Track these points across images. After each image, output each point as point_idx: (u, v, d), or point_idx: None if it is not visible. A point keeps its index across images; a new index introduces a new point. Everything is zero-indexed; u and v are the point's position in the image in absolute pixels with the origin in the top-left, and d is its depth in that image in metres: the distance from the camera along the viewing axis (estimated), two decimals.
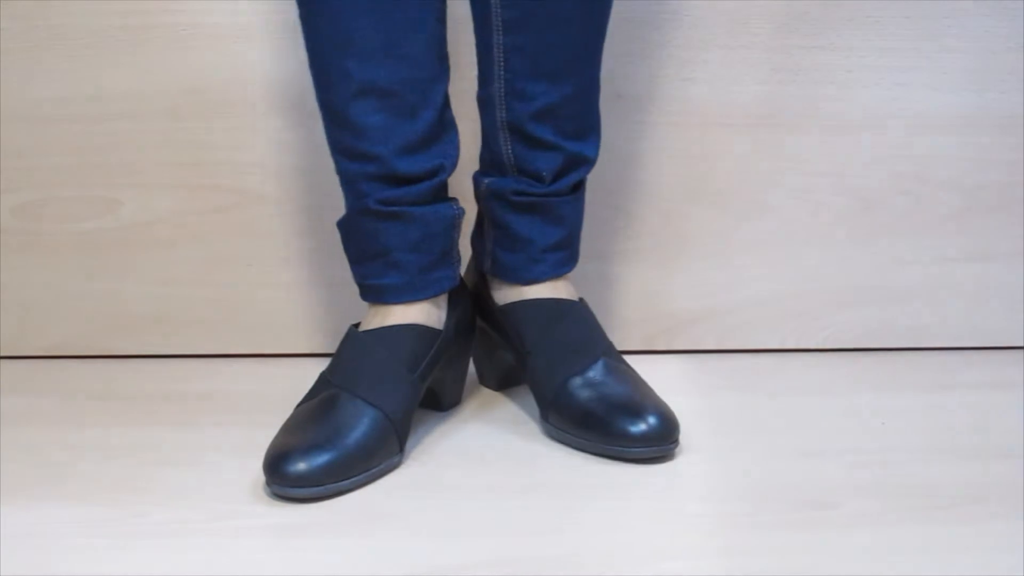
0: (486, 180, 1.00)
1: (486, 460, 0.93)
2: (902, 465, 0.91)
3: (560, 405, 0.95)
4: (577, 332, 0.98)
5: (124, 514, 0.83)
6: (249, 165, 1.15)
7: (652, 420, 0.90)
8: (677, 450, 0.92)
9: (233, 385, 1.12)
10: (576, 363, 0.96)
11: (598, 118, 0.99)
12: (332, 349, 0.96)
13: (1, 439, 0.98)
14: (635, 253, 1.18)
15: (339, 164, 0.95)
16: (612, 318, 1.18)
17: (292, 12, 1.10)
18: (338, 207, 0.99)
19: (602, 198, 1.13)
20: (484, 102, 0.98)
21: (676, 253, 1.18)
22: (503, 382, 1.08)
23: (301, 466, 0.84)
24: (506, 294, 1.01)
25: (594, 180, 1.03)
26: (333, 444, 0.86)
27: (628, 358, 1.00)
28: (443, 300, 0.98)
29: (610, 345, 0.99)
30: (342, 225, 0.97)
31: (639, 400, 0.93)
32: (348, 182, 0.95)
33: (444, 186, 0.96)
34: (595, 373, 0.95)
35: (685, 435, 0.93)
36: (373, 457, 0.88)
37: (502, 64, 0.95)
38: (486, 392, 1.09)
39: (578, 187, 1.00)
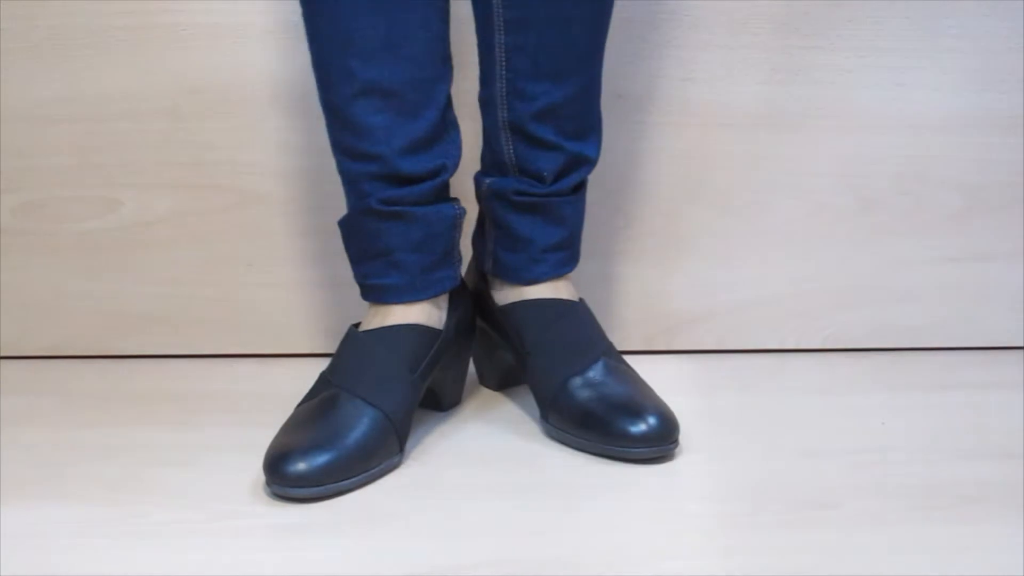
0: (487, 180, 1.00)
1: (486, 460, 0.93)
2: (902, 465, 0.91)
3: (560, 405, 0.95)
4: (577, 332, 0.98)
5: (124, 514, 0.83)
6: (249, 165, 1.15)
7: (652, 420, 0.90)
8: (677, 450, 0.92)
9: (233, 385, 1.12)
10: (576, 363, 0.96)
11: (599, 119, 0.99)
12: (332, 349, 0.96)
13: (1, 439, 0.98)
14: (635, 253, 1.18)
15: (341, 163, 0.95)
16: (612, 318, 1.18)
17: (292, 12, 1.10)
18: (339, 207, 0.99)
19: (602, 198, 1.13)
20: (485, 102, 0.98)
21: (676, 253, 1.18)
22: (503, 382, 1.08)
23: (301, 466, 0.84)
24: (507, 294, 1.01)
25: (595, 180, 1.03)
26: (333, 444, 0.86)
27: (628, 358, 1.00)
28: (444, 300, 0.98)
29: (610, 345, 0.99)
30: (343, 224, 0.97)
31: (639, 400, 0.93)
32: (350, 182, 0.95)
33: (446, 186, 0.96)
34: (595, 373, 0.95)
35: (685, 435, 0.93)
36: (373, 457, 0.88)
37: (503, 64, 0.95)
38: (486, 392, 1.09)
39: (579, 187, 1.00)
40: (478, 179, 1.01)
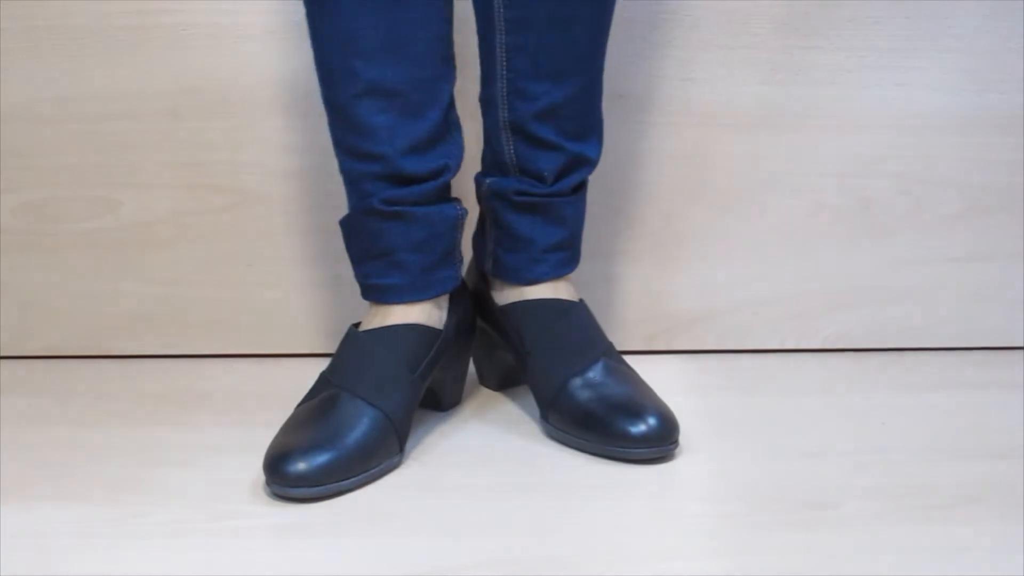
0: (488, 180, 1.00)
1: (486, 460, 0.93)
2: (902, 465, 0.91)
3: (560, 405, 0.95)
4: (577, 332, 0.98)
5: (124, 514, 0.83)
6: (249, 165, 1.15)
7: (652, 421, 0.90)
8: (677, 450, 0.92)
9: (233, 385, 1.12)
10: (576, 363, 0.96)
11: (600, 119, 0.99)
12: (332, 349, 0.96)
13: (1, 439, 0.98)
14: (635, 253, 1.18)
15: (343, 163, 0.95)
16: (612, 318, 1.18)
17: (293, 12, 1.10)
18: (339, 207, 0.99)
19: (602, 198, 1.13)
20: (486, 102, 0.98)
21: (676, 253, 1.18)
22: (503, 382, 1.08)
23: (301, 466, 0.84)
24: (507, 294, 1.01)
25: (595, 180, 1.03)
26: (333, 444, 0.86)
27: (628, 358, 1.00)
28: (444, 300, 0.98)
29: (610, 346, 0.99)
30: (344, 224, 0.97)
31: (639, 401, 0.93)
32: (352, 181, 0.95)
33: (448, 186, 0.96)
34: (595, 374, 0.95)
35: (685, 435, 0.93)
36: (373, 457, 0.88)
37: (504, 64, 0.95)
38: (486, 392, 1.09)
39: (579, 188, 1.00)
40: (479, 179, 1.01)
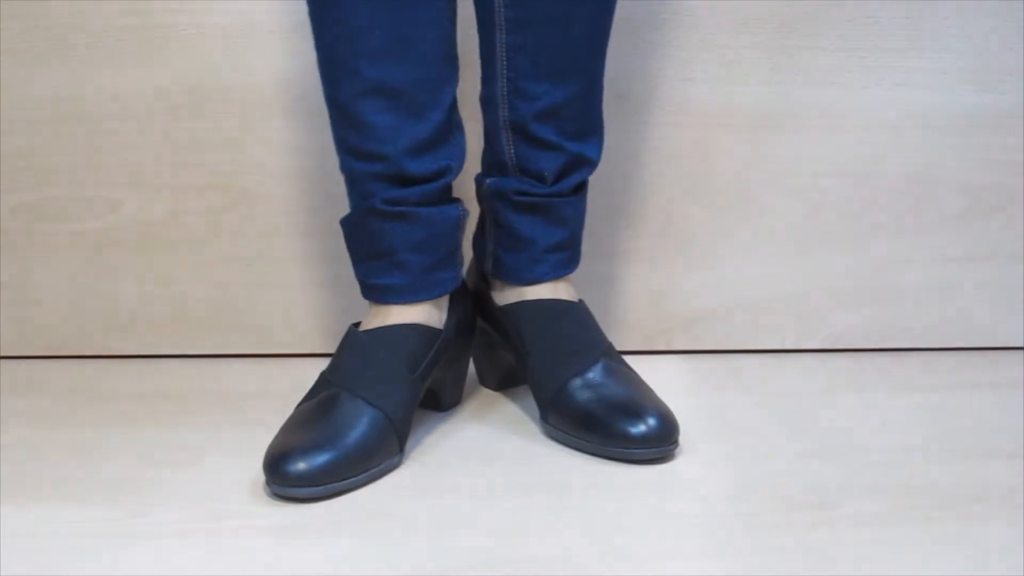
0: (488, 180, 1.00)
1: (486, 460, 0.93)
2: (902, 465, 0.91)
3: (560, 406, 0.95)
4: (577, 333, 0.98)
5: (124, 514, 0.83)
6: (249, 165, 1.15)
7: (652, 421, 0.90)
8: (677, 451, 0.92)
9: (233, 385, 1.12)
10: (576, 364, 0.96)
11: (601, 120, 0.99)
12: (332, 349, 0.96)
13: (1, 439, 0.98)
14: (635, 253, 1.18)
15: (345, 162, 0.94)
16: (612, 318, 1.18)
17: (293, 12, 1.11)
18: (339, 207, 0.99)
19: (603, 198, 1.13)
20: (487, 102, 0.98)
21: (676, 253, 1.18)
22: (503, 382, 1.08)
23: (301, 466, 0.84)
24: (507, 295, 1.01)
25: (595, 180, 1.03)
26: (333, 444, 0.86)
27: (628, 358, 1.00)
28: (444, 300, 0.98)
29: (610, 346, 0.99)
30: (346, 223, 0.97)
31: (639, 401, 0.93)
32: (354, 181, 0.95)
33: (449, 187, 0.96)
34: (595, 374, 0.95)
35: (685, 435, 0.93)
36: (373, 457, 0.88)
37: (505, 63, 0.95)
38: (486, 392, 1.09)
39: (580, 188, 1.00)
40: (479, 179, 1.01)
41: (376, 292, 0.96)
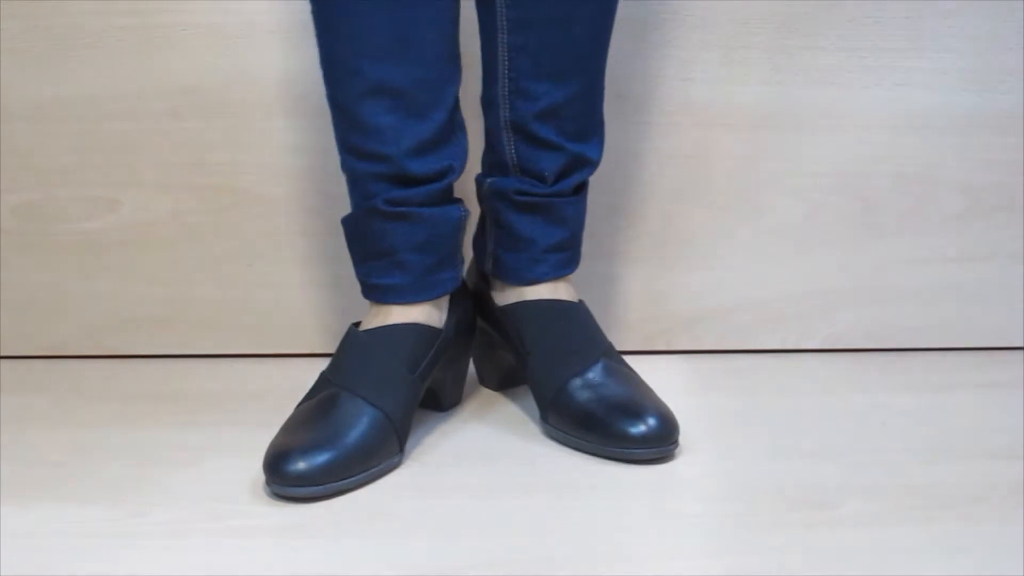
0: (489, 180, 1.00)
1: (486, 460, 0.93)
2: (902, 465, 0.91)
3: (560, 406, 0.95)
4: (577, 333, 0.98)
5: (124, 514, 0.83)
6: (249, 165, 1.15)
7: (652, 421, 0.90)
8: (677, 451, 0.92)
9: (233, 385, 1.12)
10: (576, 364, 0.96)
11: (602, 121, 0.99)
12: (332, 349, 0.96)
13: (1, 439, 0.98)
14: (635, 253, 1.18)
15: (347, 162, 0.94)
16: (612, 318, 1.18)
17: (293, 12, 1.10)
18: (339, 207, 0.99)
19: (603, 198, 1.13)
20: (488, 102, 0.98)
21: (676, 253, 1.18)
22: (503, 382, 1.08)
23: (301, 465, 0.84)
24: (507, 295, 1.01)
25: (595, 180, 1.02)
26: (333, 443, 0.86)
27: (628, 358, 1.00)
28: (444, 301, 0.98)
29: (610, 346, 0.99)
30: (347, 223, 0.97)
31: (639, 401, 0.93)
32: (356, 181, 0.94)
33: (451, 187, 0.96)
34: (595, 374, 0.95)
35: (685, 435, 0.93)
36: (373, 457, 0.88)
37: (506, 64, 0.95)
38: (486, 392, 1.09)
39: (580, 189, 1.00)
40: (479, 180, 1.01)
41: (377, 292, 0.96)
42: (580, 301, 1.01)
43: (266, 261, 1.18)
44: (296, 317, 1.19)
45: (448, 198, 0.96)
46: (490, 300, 1.03)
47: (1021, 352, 1.20)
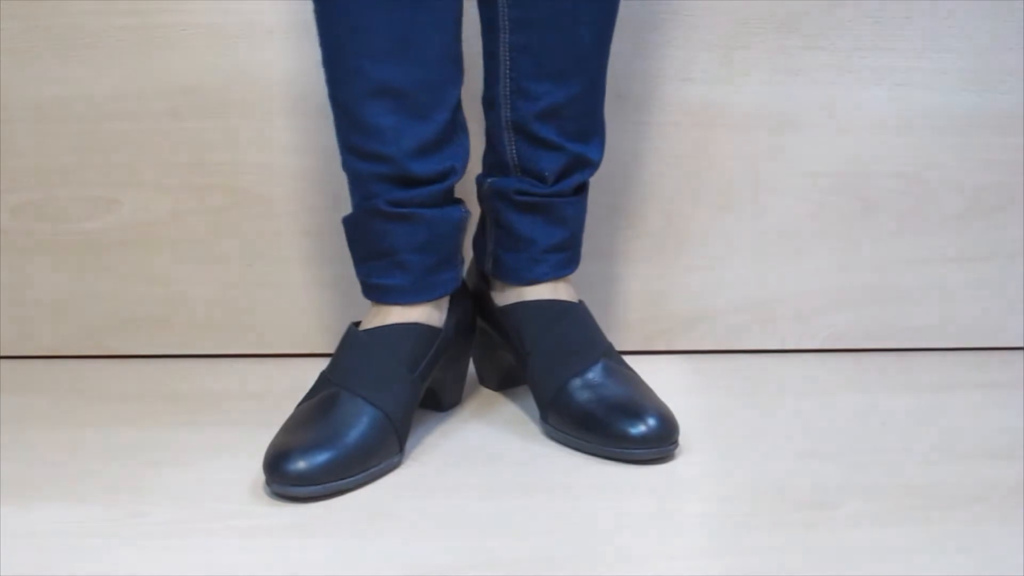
0: (489, 180, 1.00)
1: (486, 460, 0.93)
2: (902, 465, 0.91)
3: (560, 406, 0.95)
4: (577, 333, 0.98)
5: (124, 514, 0.83)
6: (249, 165, 1.15)
7: (652, 422, 0.90)
8: (677, 451, 0.92)
9: (233, 385, 1.12)
10: (576, 364, 0.96)
11: (602, 122, 0.99)
12: (332, 349, 0.96)
13: (1, 439, 0.98)
14: (635, 253, 1.18)
15: (348, 162, 0.94)
16: (612, 318, 1.18)
17: (293, 12, 1.11)
18: (339, 207, 0.99)
19: (603, 198, 1.13)
20: (489, 103, 0.98)
21: (676, 253, 1.18)
22: (503, 382, 1.08)
23: (301, 465, 0.84)
24: (507, 295, 1.01)
25: (595, 180, 1.02)
26: (333, 443, 0.86)
27: (628, 358, 1.00)
28: (444, 301, 0.98)
29: (610, 346, 0.99)
30: (348, 223, 0.96)
31: (639, 401, 0.93)
32: (357, 180, 0.94)
33: (452, 188, 0.96)
34: (594, 375, 0.95)
35: (685, 435, 0.93)
36: (373, 456, 0.88)
37: (508, 63, 0.95)
38: (486, 392, 1.09)
39: (581, 189, 1.00)
40: (480, 180, 1.01)
41: (377, 292, 0.96)
42: (580, 301, 1.01)
43: (266, 261, 1.18)
44: (296, 317, 1.19)
45: (449, 199, 0.96)
46: (490, 300, 1.03)
47: (1021, 352, 1.20)
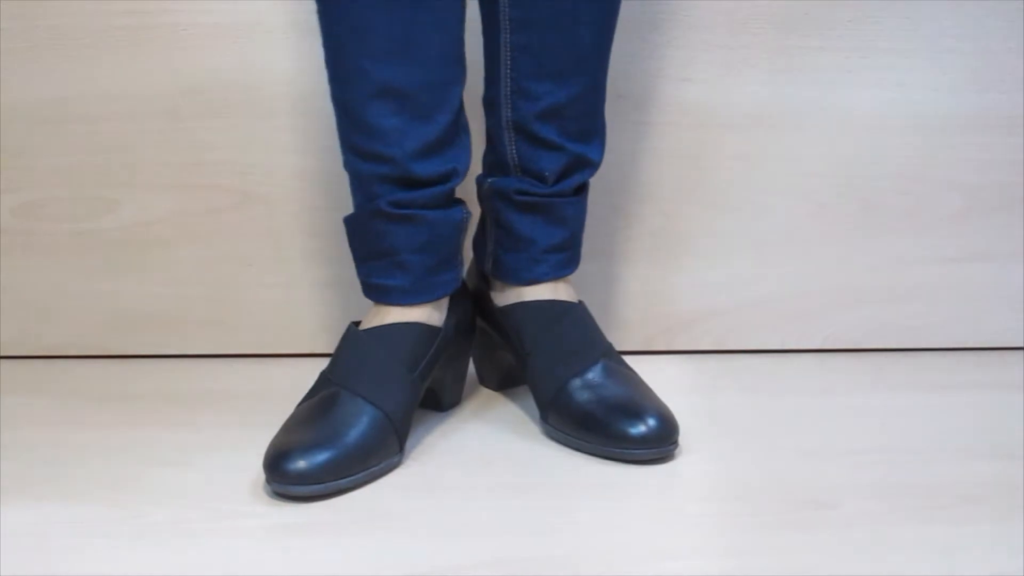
0: (489, 180, 1.00)
1: (486, 460, 0.93)
2: (902, 465, 0.91)
3: (560, 406, 0.95)
4: (577, 334, 0.98)
5: (124, 514, 0.83)
6: (249, 165, 1.15)
7: (652, 422, 0.90)
8: (676, 451, 0.92)
9: (233, 385, 1.12)
10: (575, 365, 0.96)
11: (603, 123, 0.99)
12: (332, 349, 0.96)
13: (1, 439, 0.98)
14: (635, 253, 1.18)
15: (350, 162, 0.94)
16: (612, 318, 1.18)
17: (293, 12, 1.11)
18: (339, 207, 0.99)
19: (602, 198, 1.13)
20: (490, 103, 0.98)
21: (676, 253, 1.18)
22: (503, 383, 1.08)
23: (301, 464, 0.84)
24: (507, 295, 1.01)
25: (595, 180, 1.02)
26: (333, 442, 0.86)
27: (628, 358, 1.00)
28: (444, 301, 0.98)
29: (610, 347, 0.99)
30: (349, 222, 0.96)
31: (639, 402, 0.93)
32: (359, 180, 0.94)
33: (454, 190, 0.96)
34: (594, 375, 0.95)
35: (685, 435, 0.93)
36: (373, 456, 0.88)
37: (508, 63, 0.95)
38: (486, 392, 1.09)
39: (581, 190, 1.00)
40: (480, 180, 1.01)
41: (377, 292, 0.96)
42: (580, 302, 1.01)
43: (266, 261, 1.18)
44: (296, 317, 1.19)
45: (451, 200, 0.96)
46: (490, 300, 1.03)
47: (1021, 352, 1.20)
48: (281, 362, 1.19)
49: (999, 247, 1.19)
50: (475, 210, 1.02)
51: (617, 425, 0.91)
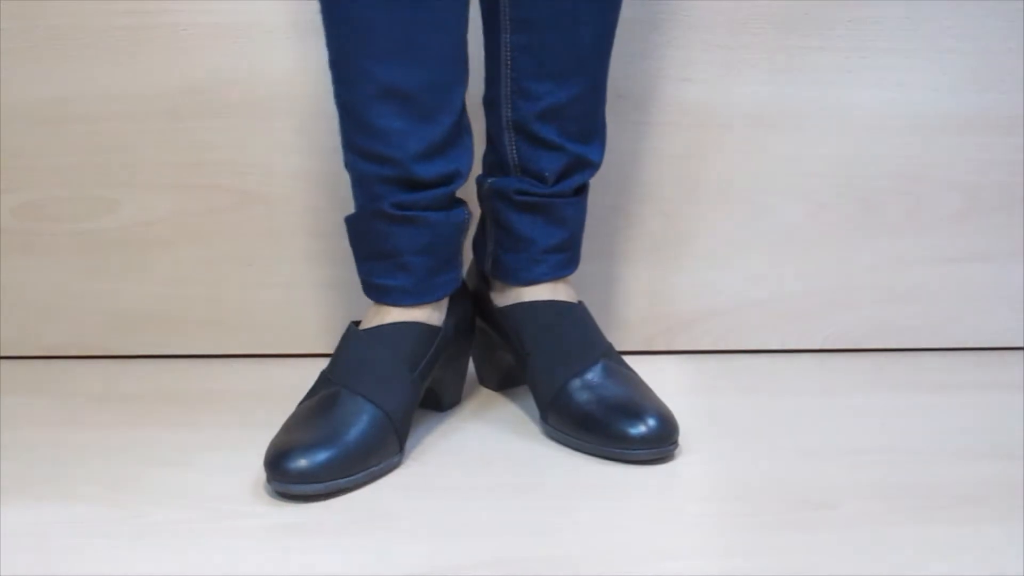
0: (489, 180, 1.00)
1: (486, 460, 0.93)
2: (902, 465, 0.91)
3: (559, 407, 0.95)
4: (577, 334, 0.98)
5: (124, 514, 0.83)
6: (249, 165, 1.15)
7: (652, 422, 0.90)
8: (676, 451, 0.92)
9: (233, 385, 1.12)
10: (575, 365, 0.96)
11: (603, 124, 0.99)
12: (332, 349, 0.96)
13: (1, 439, 0.98)
14: (635, 253, 1.18)
15: (352, 163, 0.94)
16: (612, 318, 1.18)
17: (293, 12, 1.11)
18: (339, 207, 0.99)
19: (602, 198, 1.13)
20: (491, 104, 0.98)
21: (676, 253, 1.18)
22: (503, 383, 1.08)
23: (302, 463, 0.84)
24: (506, 295, 1.01)
25: (595, 180, 1.02)
26: (333, 441, 0.86)
27: (628, 358, 1.00)
28: (444, 301, 0.98)
29: (610, 347, 0.99)
30: (351, 222, 0.96)
31: (638, 402, 0.93)
32: (361, 181, 0.94)
33: (456, 191, 0.96)
34: (594, 375, 0.95)
35: (684, 435, 0.93)
36: (373, 455, 0.88)
37: (509, 63, 0.95)
38: (486, 392, 1.09)
39: (581, 190, 1.00)
40: (480, 180, 1.01)
41: (378, 292, 0.96)
42: (580, 302, 1.01)
43: (266, 261, 1.18)
44: (296, 317, 1.19)
45: (453, 201, 0.96)
46: (490, 301, 1.03)
47: (1021, 352, 1.20)
48: (281, 362, 1.19)
49: (999, 247, 1.19)
50: (475, 210, 1.02)
51: (617, 425, 0.91)
